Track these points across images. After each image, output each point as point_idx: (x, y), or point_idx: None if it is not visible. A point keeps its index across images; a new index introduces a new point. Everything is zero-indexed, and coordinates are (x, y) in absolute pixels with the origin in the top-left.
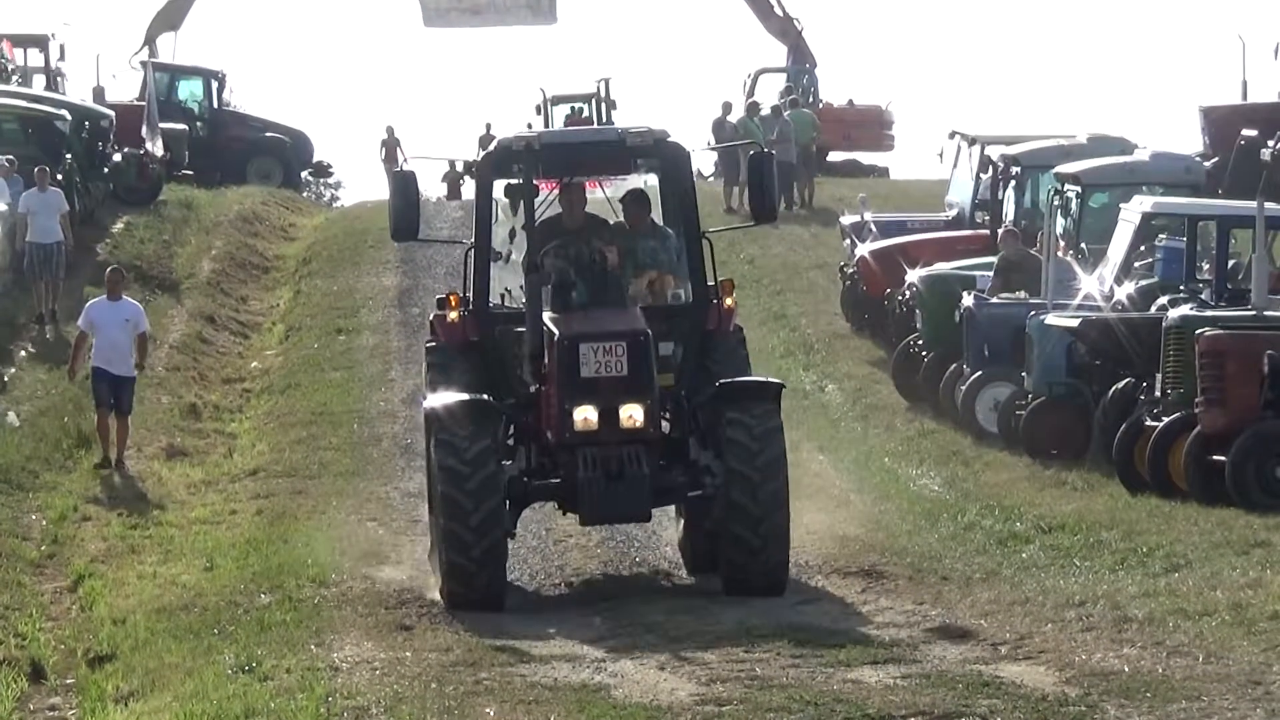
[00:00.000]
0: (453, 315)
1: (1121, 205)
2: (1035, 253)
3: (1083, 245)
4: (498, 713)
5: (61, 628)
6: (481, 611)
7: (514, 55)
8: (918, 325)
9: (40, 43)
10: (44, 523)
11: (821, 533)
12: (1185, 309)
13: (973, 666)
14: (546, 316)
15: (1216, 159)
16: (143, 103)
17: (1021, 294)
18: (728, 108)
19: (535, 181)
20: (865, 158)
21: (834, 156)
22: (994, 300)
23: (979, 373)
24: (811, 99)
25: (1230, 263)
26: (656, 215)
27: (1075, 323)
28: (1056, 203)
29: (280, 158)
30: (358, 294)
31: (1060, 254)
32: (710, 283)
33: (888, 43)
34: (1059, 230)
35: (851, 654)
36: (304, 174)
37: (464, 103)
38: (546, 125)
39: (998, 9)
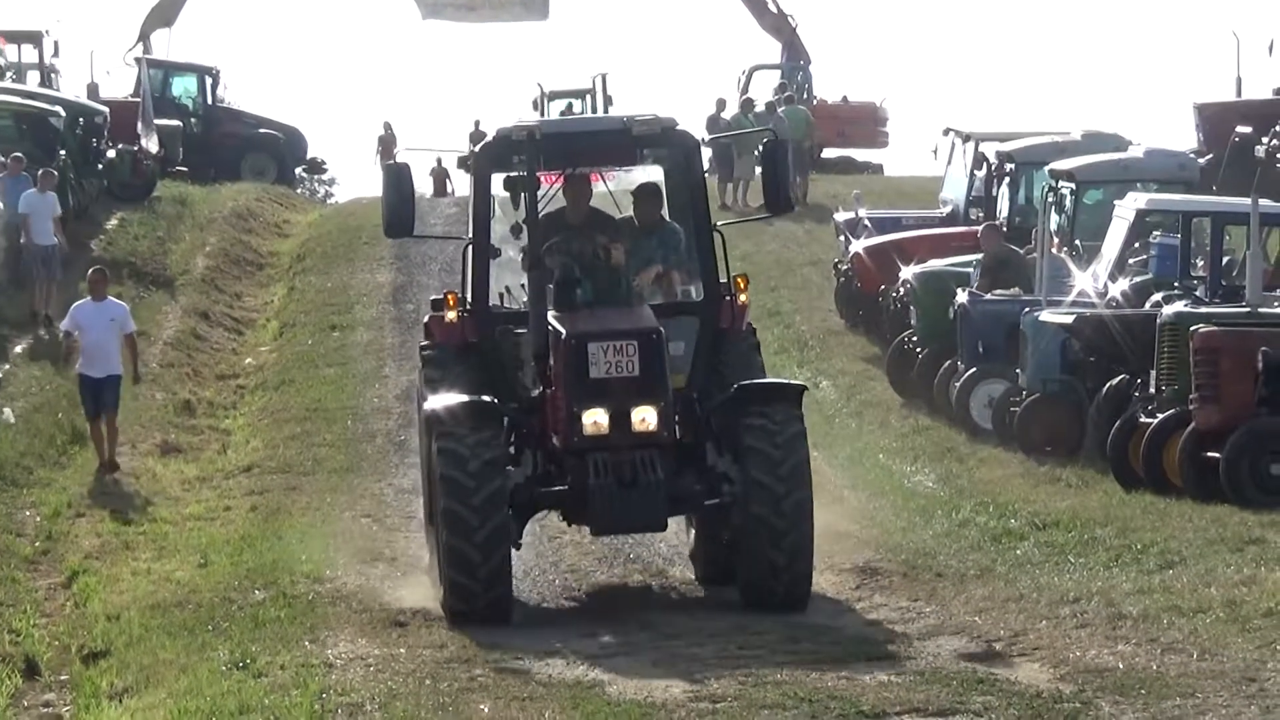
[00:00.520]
0: (450, 315)
1: (1116, 202)
2: (1023, 249)
3: (1077, 242)
4: (492, 709)
5: (55, 624)
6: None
7: (507, 52)
8: (912, 322)
9: (35, 39)
10: (38, 519)
11: (816, 529)
12: (1180, 306)
13: (967, 663)
14: (550, 315)
15: (1211, 156)
16: (137, 99)
17: (1016, 290)
18: (722, 104)
19: (537, 174)
20: (859, 154)
21: (828, 153)
22: (988, 297)
23: (973, 369)
24: (806, 95)
25: (1225, 259)
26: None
27: (1070, 319)
28: (1051, 199)
29: (274, 154)
30: (352, 290)
31: (1055, 251)
32: (723, 279)
33: (882, 39)
34: (1053, 227)
35: (845, 650)
36: (298, 170)
37: (457, 99)
38: None
39: (992, 6)
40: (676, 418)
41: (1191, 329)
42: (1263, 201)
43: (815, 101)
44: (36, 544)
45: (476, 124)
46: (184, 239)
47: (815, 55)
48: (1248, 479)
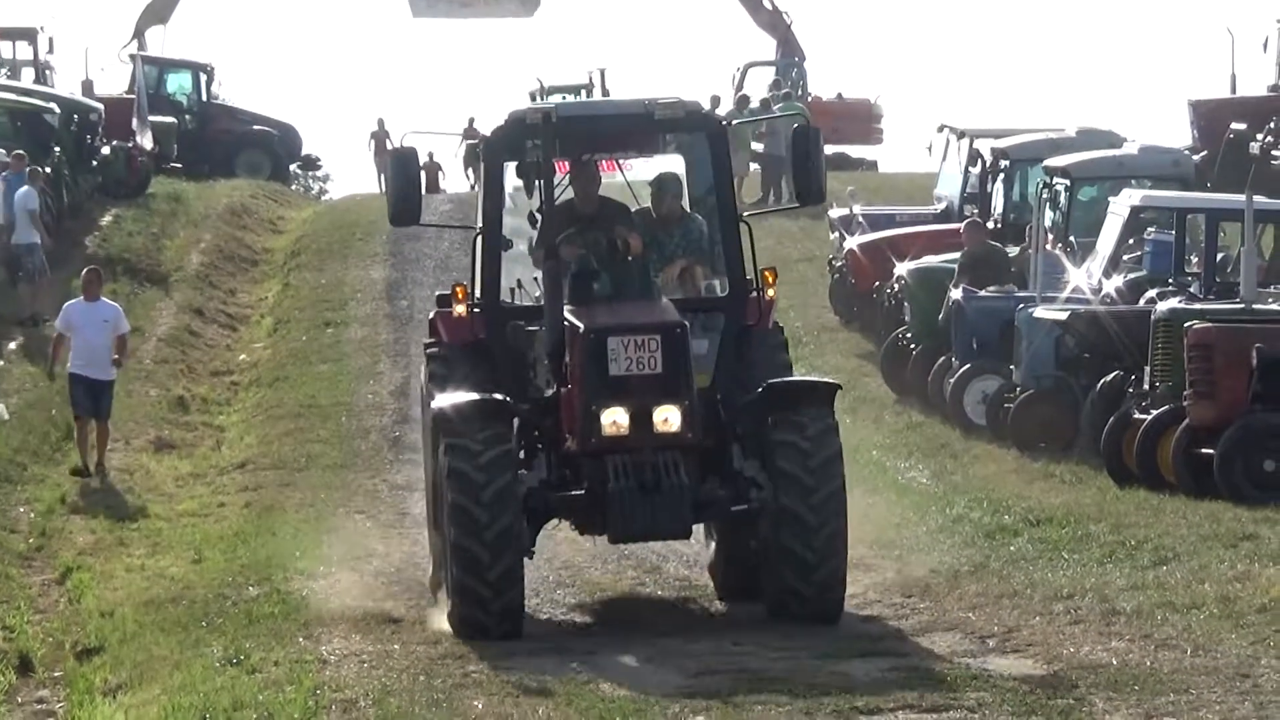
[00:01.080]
0: (459, 310)
1: (1110, 198)
2: (1018, 246)
3: (1071, 238)
4: (486, 705)
5: (49, 620)
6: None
7: (500, 48)
8: (906, 318)
9: (29, 36)
10: (32, 515)
11: None
12: (1174, 302)
13: (961, 659)
14: (566, 310)
15: (1205, 152)
16: (132, 96)
17: (1010, 286)
18: (716, 101)
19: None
20: (854, 151)
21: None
22: (982, 293)
23: (967, 365)
24: (800, 92)
25: (1219, 256)
26: (684, 199)
27: (1064, 316)
28: (1045, 196)
29: (269, 151)
30: (346, 287)
31: (1049, 247)
32: (749, 273)
33: (877, 36)
34: (1048, 223)
35: (839, 646)
36: (292, 167)
37: (452, 95)
38: None
39: (987, 2)
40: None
41: (1186, 325)
42: (1257, 198)
43: (810, 98)
44: (30, 540)
45: (471, 121)
46: (178, 235)
47: (810, 52)
48: (1241, 475)
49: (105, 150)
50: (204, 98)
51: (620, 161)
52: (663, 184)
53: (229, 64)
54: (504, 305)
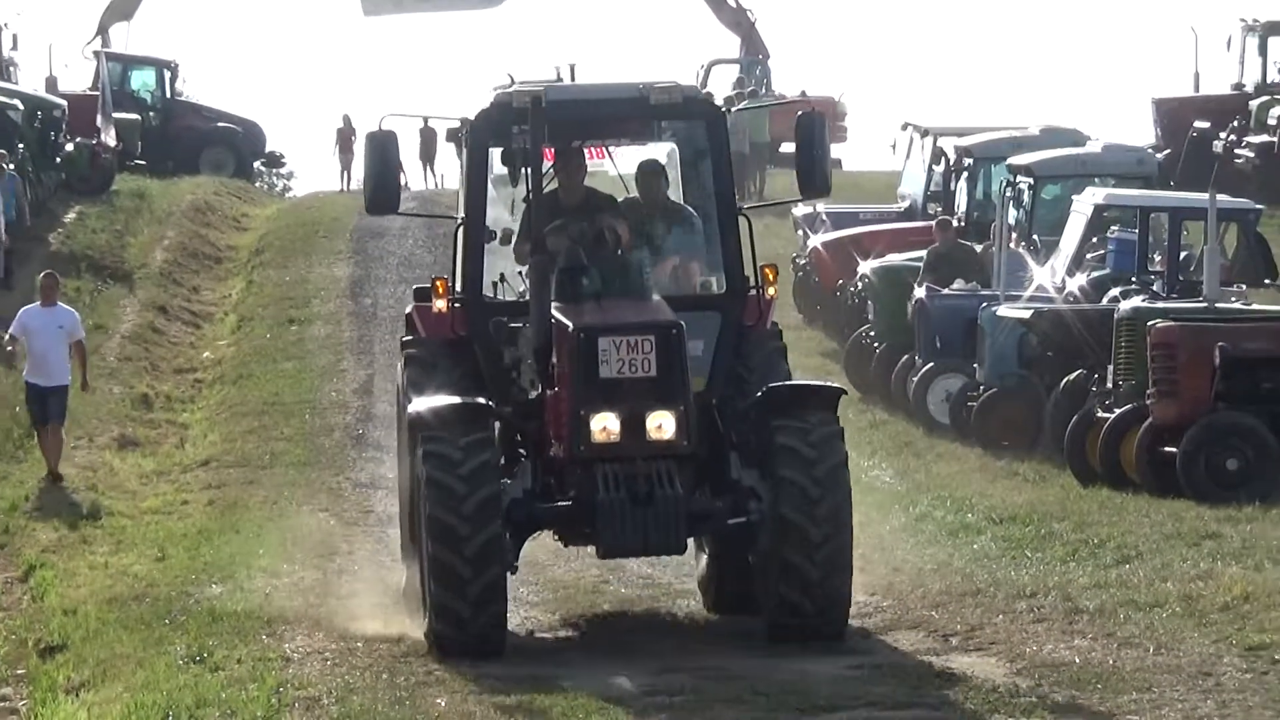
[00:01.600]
0: (440, 305)
1: (1074, 197)
2: (981, 244)
3: (1035, 237)
4: (449, 703)
5: (12, 618)
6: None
7: (465, 44)
8: (870, 317)
9: None
10: None
11: None
12: (1137, 301)
13: (924, 658)
14: (554, 307)
15: (1169, 151)
16: (96, 93)
17: (974, 285)
18: None
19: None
20: None
21: (786, 148)
22: (945, 292)
23: (931, 364)
24: (764, 90)
25: (1182, 254)
26: (675, 190)
27: (1027, 314)
28: (1009, 194)
29: (233, 148)
30: (310, 284)
31: (1013, 246)
32: (748, 269)
33: (841, 34)
34: (1011, 222)
35: (803, 645)
36: (256, 164)
37: (417, 92)
38: None
39: (951, 1)
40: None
41: (1149, 324)
42: (1220, 196)
43: (774, 96)
44: None
45: (425, 120)
46: (142, 232)
47: (774, 50)
48: (1204, 474)
49: (69, 147)
50: (168, 95)
51: (608, 149)
52: (649, 172)
53: (193, 61)
54: (486, 300)
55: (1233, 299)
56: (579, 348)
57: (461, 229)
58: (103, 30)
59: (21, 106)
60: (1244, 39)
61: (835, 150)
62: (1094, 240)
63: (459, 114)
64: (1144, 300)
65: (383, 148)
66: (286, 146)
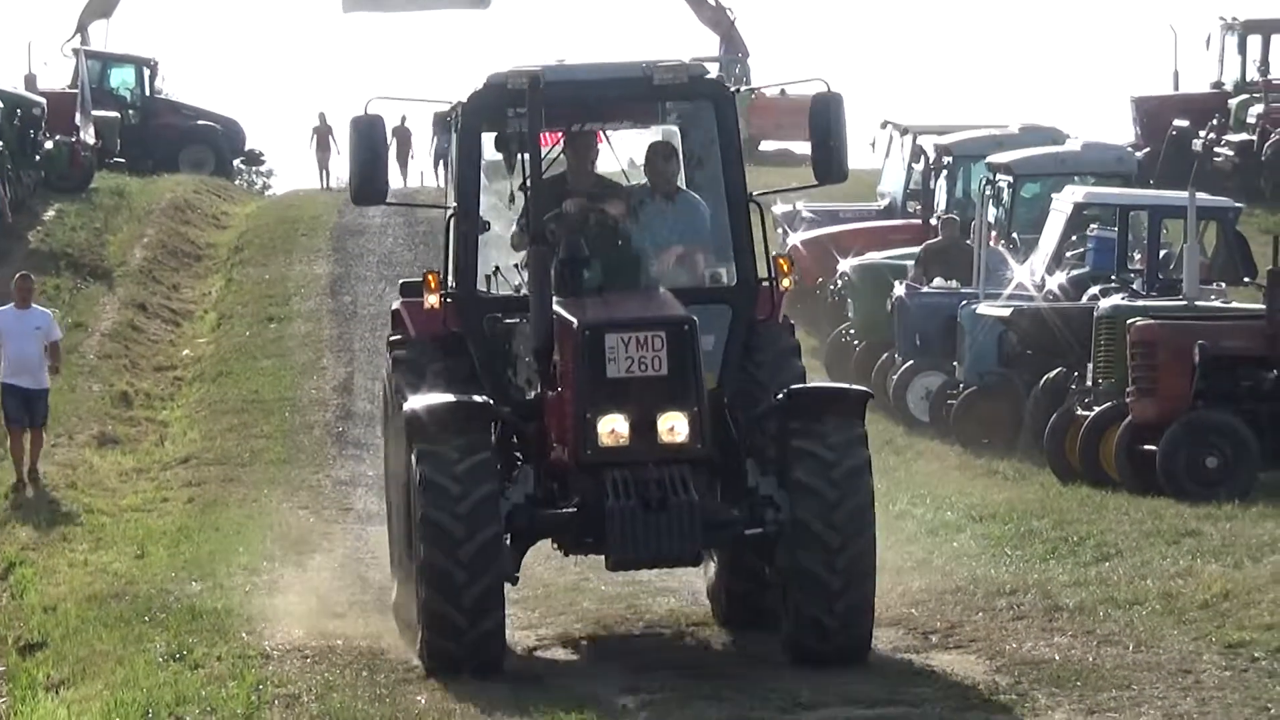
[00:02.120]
0: (432, 300)
1: (1053, 195)
2: (969, 243)
3: (1014, 235)
4: (429, 701)
5: None
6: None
7: (444, 43)
8: (849, 314)
9: None
10: None
11: None
12: (1117, 299)
13: (904, 655)
14: (555, 302)
15: (1148, 149)
16: (75, 90)
17: (954, 283)
18: None
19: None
20: (798, 147)
21: (766, 146)
22: (925, 289)
23: (910, 362)
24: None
25: (1162, 253)
26: (680, 176)
27: (1007, 312)
28: (988, 192)
29: (212, 146)
30: (289, 282)
31: (992, 244)
32: (760, 260)
33: (820, 33)
34: (991, 220)
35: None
36: (236, 162)
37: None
38: None
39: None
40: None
41: (1128, 322)
42: (1199, 195)
43: (754, 95)
44: None
45: (403, 119)
46: (121, 230)
47: (753, 48)
48: (1184, 472)
49: (48, 145)
50: (147, 92)
51: (607, 133)
52: (658, 153)
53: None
54: (480, 295)
55: (1212, 297)
56: (584, 345)
57: (453, 219)
58: (82, 28)
59: (0, 104)
60: (1223, 37)
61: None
62: (1073, 238)
63: (450, 97)
64: (1123, 298)
65: (369, 133)
66: (266, 144)
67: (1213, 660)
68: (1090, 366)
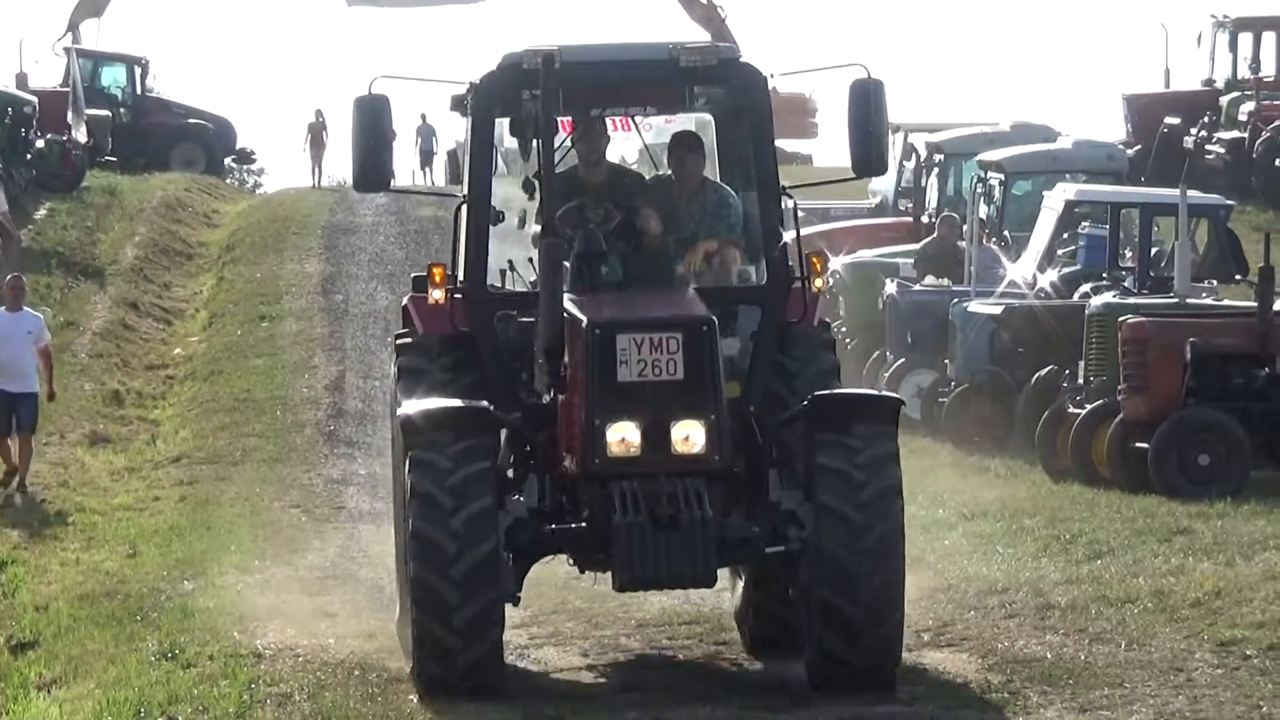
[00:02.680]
0: (436, 295)
1: (1044, 193)
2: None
3: (1006, 233)
4: (420, 700)
5: None
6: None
7: (438, 40)
8: (841, 312)
9: None
10: None
11: None
12: (1108, 296)
13: None
14: (567, 299)
15: (1139, 147)
16: (66, 89)
17: (946, 281)
18: None
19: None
20: (789, 145)
21: None
22: (916, 287)
23: (902, 360)
24: None
25: (1153, 250)
26: (711, 166)
27: (998, 310)
28: (980, 190)
29: (204, 144)
30: (281, 281)
31: (984, 242)
32: (792, 258)
33: (811, 30)
34: (982, 218)
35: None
36: (227, 160)
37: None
38: None
39: None
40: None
41: (1120, 320)
42: (1191, 192)
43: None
44: None
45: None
46: (113, 229)
47: (744, 46)
48: (1175, 469)
49: (40, 143)
50: (139, 91)
51: (636, 120)
52: (682, 144)
53: (163, 57)
54: (492, 291)
55: (1204, 295)
56: (593, 346)
57: (464, 208)
58: (73, 27)
59: None
60: (1214, 35)
61: (805, 146)
62: (1065, 236)
63: (462, 78)
64: (1115, 296)
65: (373, 114)
66: (257, 143)
67: (1205, 658)
68: (1082, 364)
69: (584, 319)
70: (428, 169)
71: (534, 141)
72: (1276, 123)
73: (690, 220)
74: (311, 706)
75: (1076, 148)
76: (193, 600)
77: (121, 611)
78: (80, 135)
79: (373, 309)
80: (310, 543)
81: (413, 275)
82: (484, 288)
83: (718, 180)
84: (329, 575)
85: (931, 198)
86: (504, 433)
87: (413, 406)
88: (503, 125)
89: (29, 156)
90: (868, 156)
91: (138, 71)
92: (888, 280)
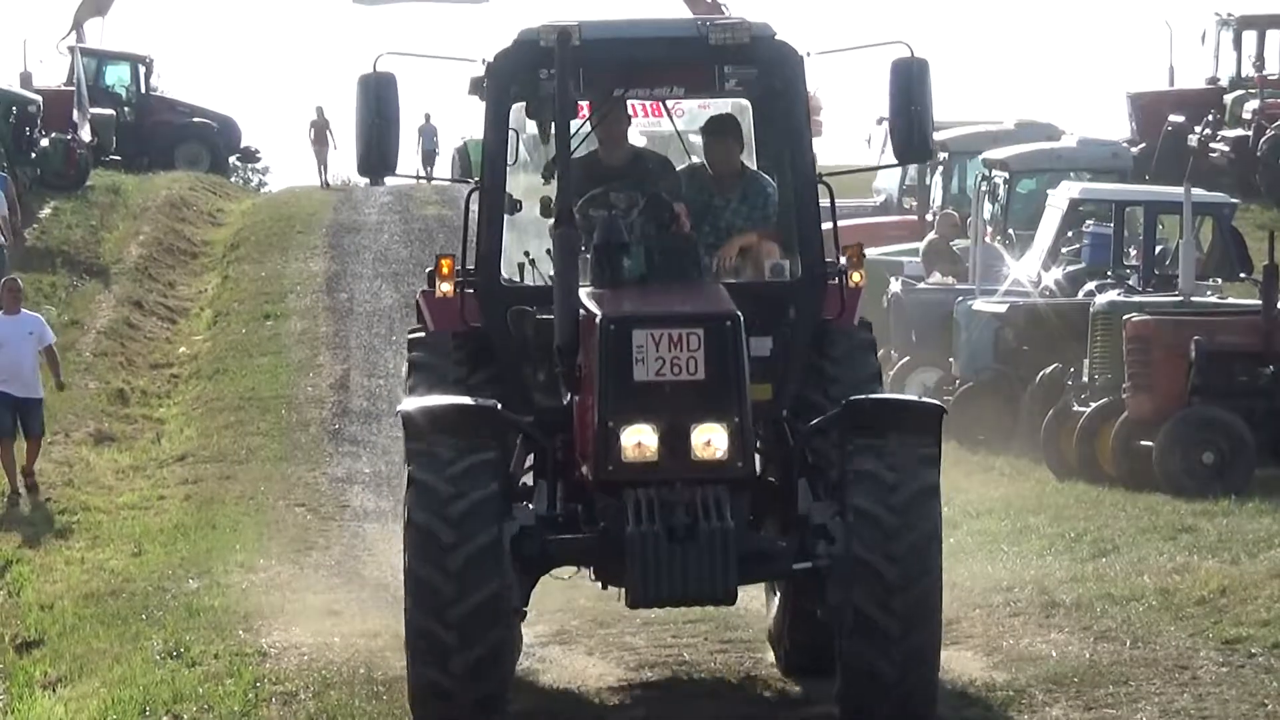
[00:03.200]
0: (445, 288)
1: (1049, 191)
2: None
3: (1010, 231)
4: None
5: None
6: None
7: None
8: None
9: None
10: None
11: None
12: (1112, 295)
13: None
14: (583, 292)
15: (1144, 145)
16: (70, 88)
17: (951, 279)
18: None
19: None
20: None
21: None
22: (921, 285)
23: (906, 358)
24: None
25: (1157, 248)
26: (748, 154)
27: (1003, 308)
28: (984, 189)
29: (208, 143)
30: (285, 279)
31: (988, 240)
32: (829, 252)
33: (815, 27)
34: (987, 216)
35: None
36: (231, 159)
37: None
38: None
39: None
40: (758, 443)
41: (1124, 318)
42: (1195, 190)
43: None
44: None
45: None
46: (117, 228)
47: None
48: (1180, 467)
49: (44, 142)
50: (143, 90)
51: (667, 104)
52: (719, 128)
53: (167, 56)
54: (505, 284)
55: (1208, 293)
56: (609, 343)
57: (477, 195)
58: (77, 25)
59: None
60: (1218, 33)
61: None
62: (1069, 234)
63: (476, 56)
64: (1119, 294)
65: (378, 93)
66: (261, 141)
67: (1210, 656)
68: (1086, 362)
69: (599, 314)
70: (429, 169)
71: (552, 125)
72: None
73: (726, 211)
74: (316, 705)
75: (1081, 146)
76: (198, 599)
77: (126, 610)
78: (85, 134)
79: (377, 307)
80: (315, 541)
81: (428, 269)
82: (497, 280)
83: (756, 169)
84: (334, 574)
85: (936, 196)
86: (519, 438)
87: (413, 403)
88: (522, 109)
89: (34, 155)
90: (910, 137)
91: (142, 70)
92: (892, 278)
